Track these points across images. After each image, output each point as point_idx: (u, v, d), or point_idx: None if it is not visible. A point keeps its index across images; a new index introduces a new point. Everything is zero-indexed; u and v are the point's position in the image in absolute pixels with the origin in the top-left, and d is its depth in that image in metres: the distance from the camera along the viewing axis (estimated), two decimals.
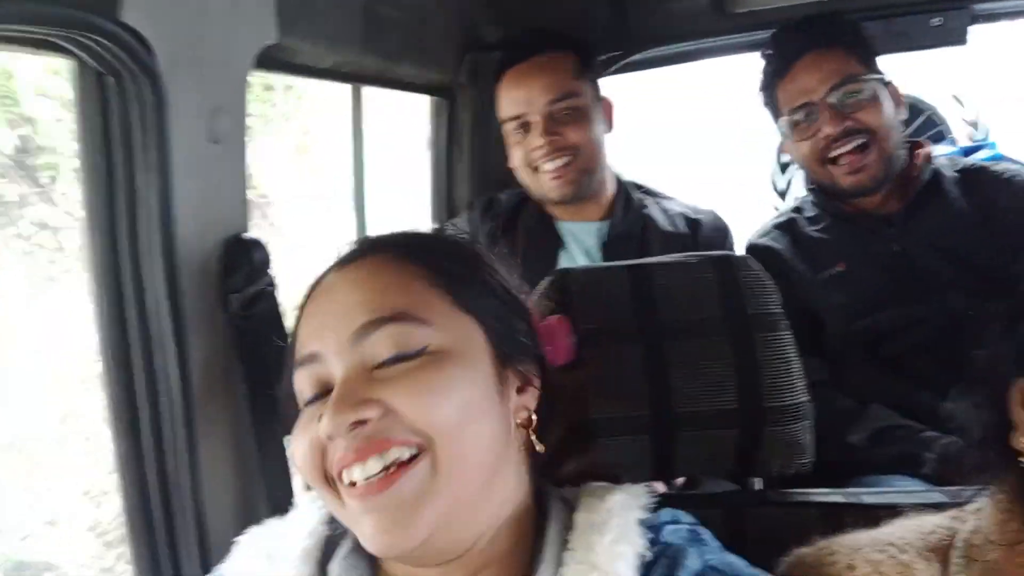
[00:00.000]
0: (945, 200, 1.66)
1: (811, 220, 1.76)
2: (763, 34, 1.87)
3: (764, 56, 1.76)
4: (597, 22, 1.95)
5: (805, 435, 1.09)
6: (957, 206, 1.64)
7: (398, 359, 0.71)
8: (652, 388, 1.09)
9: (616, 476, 0.81)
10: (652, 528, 0.74)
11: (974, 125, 2.02)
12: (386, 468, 0.69)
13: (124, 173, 0.94)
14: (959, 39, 1.83)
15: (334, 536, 0.81)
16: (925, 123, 2.06)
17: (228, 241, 1.05)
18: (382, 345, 0.72)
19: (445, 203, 2.10)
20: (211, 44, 1.04)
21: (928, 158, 1.70)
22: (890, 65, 1.71)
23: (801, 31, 1.69)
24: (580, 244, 1.84)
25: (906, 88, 1.70)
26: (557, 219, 1.86)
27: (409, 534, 0.69)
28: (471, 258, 0.82)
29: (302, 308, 0.79)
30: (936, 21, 1.84)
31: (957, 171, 1.71)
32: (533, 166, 1.78)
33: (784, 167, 2.46)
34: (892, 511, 0.88)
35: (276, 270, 1.11)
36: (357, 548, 0.77)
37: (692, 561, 0.71)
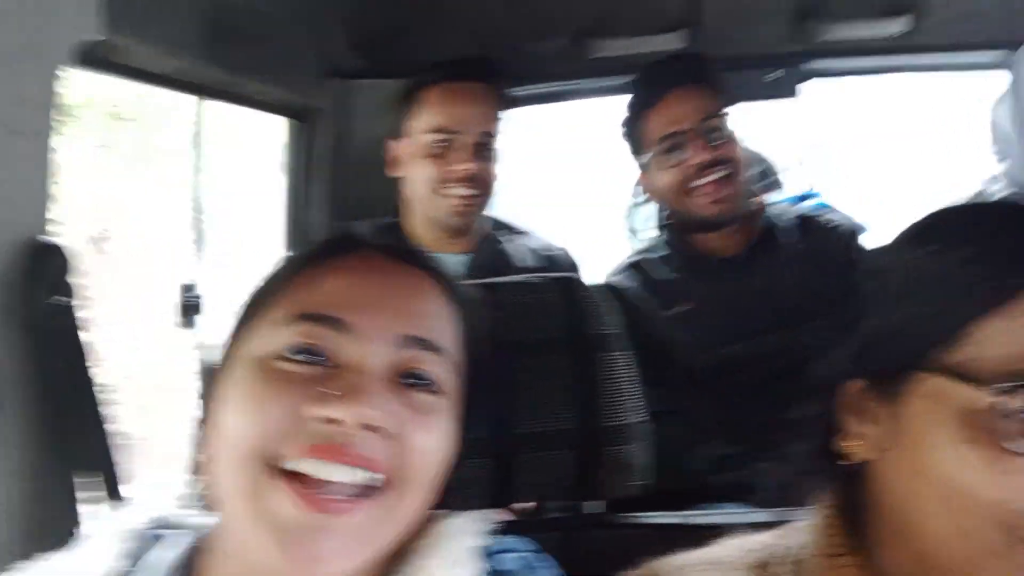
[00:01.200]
0: (779, 245, 1.78)
1: (662, 261, 1.83)
2: (622, 79, 1.94)
3: (634, 85, 1.83)
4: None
5: (642, 456, 1.10)
6: (790, 251, 1.77)
7: (421, 386, 0.69)
8: (494, 408, 1.06)
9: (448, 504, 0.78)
10: (488, 555, 0.72)
11: (802, 177, 2.18)
12: (355, 486, 0.65)
13: None
14: (790, 93, 1.96)
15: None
16: (761, 172, 2.19)
17: (24, 244, 0.95)
18: (424, 368, 0.69)
19: (301, 230, 2.03)
20: (20, 31, 0.95)
21: (764, 204, 1.83)
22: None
23: (674, 66, 1.79)
24: None
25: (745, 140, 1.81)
26: (425, 248, 1.83)
27: (335, 566, 0.64)
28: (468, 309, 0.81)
29: (315, 258, 0.74)
30: (771, 76, 1.97)
31: (789, 218, 1.84)
32: (444, 187, 1.74)
33: (637, 205, 2.54)
34: (724, 530, 0.89)
35: (83, 280, 1.00)
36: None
37: None
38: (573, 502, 1.12)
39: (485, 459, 1.06)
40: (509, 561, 0.73)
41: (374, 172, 1.97)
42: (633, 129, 1.80)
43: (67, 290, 0.97)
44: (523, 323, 1.10)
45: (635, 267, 1.84)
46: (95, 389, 1.02)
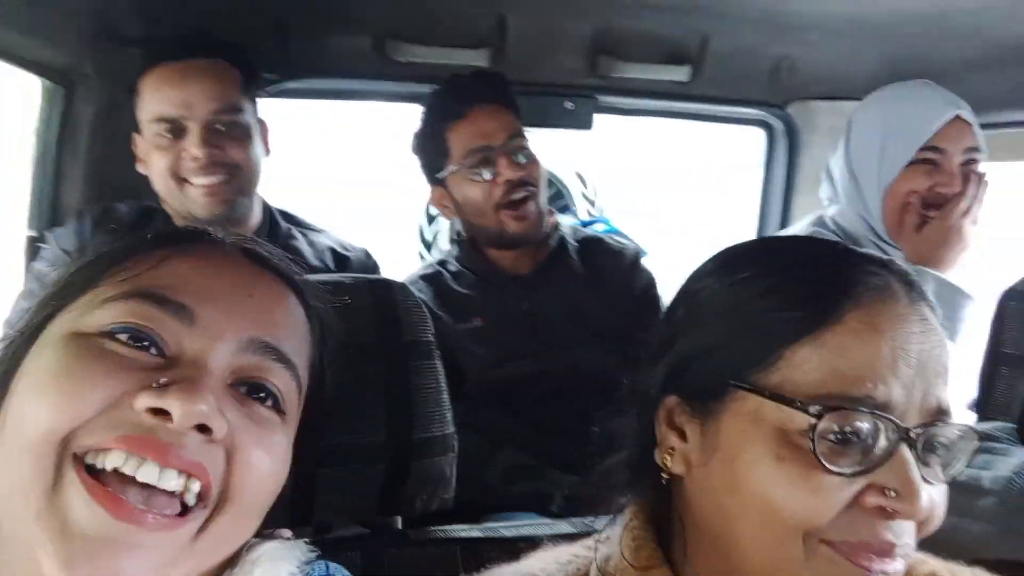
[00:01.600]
0: (568, 265, 1.84)
1: (454, 276, 1.83)
2: (422, 87, 1.92)
3: (435, 97, 1.80)
4: (257, 40, 1.82)
5: (450, 467, 1.07)
6: (578, 271, 1.84)
7: (258, 399, 0.63)
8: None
9: None
10: None
11: (592, 202, 2.31)
12: (170, 499, 0.55)
13: None
14: (585, 124, 2.07)
15: None
16: (554, 195, 2.29)
17: None
18: (269, 379, 0.63)
19: (48, 208, 1.76)
20: None
21: (556, 225, 1.88)
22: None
23: (481, 81, 1.78)
24: None
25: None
26: None
27: None
28: (326, 338, 0.74)
29: (162, 240, 0.66)
30: (569, 105, 2.06)
31: (578, 240, 1.92)
32: (181, 177, 1.57)
33: (431, 218, 2.54)
34: (530, 543, 0.88)
35: None
36: None
37: None
38: (378, 519, 1.05)
39: None
40: None
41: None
42: (433, 141, 1.78)
43: None
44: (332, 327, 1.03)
45: (428, 279, 1.83)
46: None
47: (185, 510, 0.57)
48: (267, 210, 1.76)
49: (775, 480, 0.65)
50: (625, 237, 2.01)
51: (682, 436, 0.73)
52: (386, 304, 1.06)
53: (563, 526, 1.11)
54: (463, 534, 1.08)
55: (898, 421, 0.64)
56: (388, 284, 1.08)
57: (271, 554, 0.65)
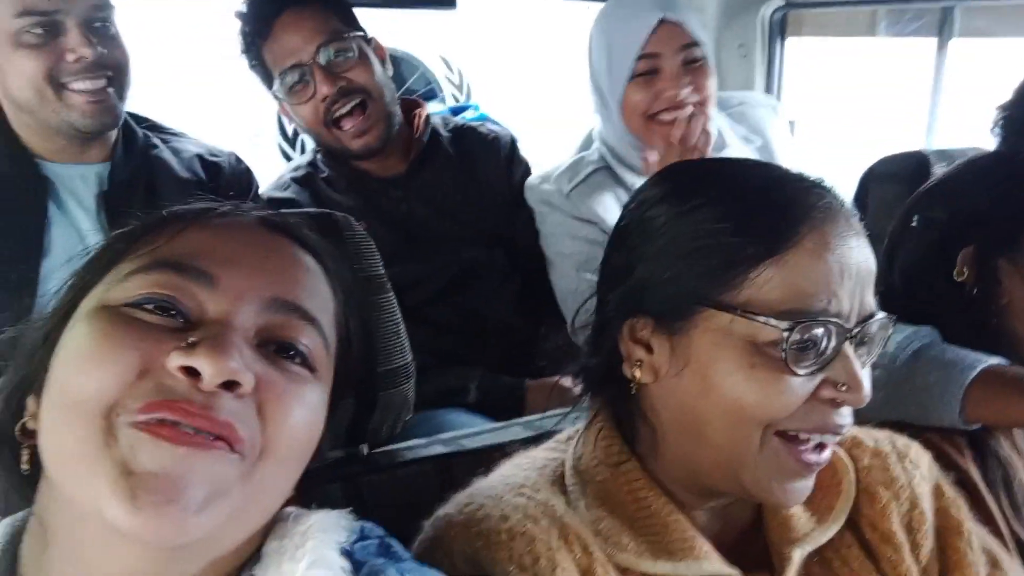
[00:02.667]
0: (442, 160, 1.81)
1: (327, 180, 1.75)
2: None
3: (239, 16, 1.67)
4: None
5: (411, 392, 1.10)
6: (453, 164, 1.81)
7: (287, 357, 0.64)
8: None
9: None
10: (346, 552, 0.68)
11: (458, 86, 2.24)
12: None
13: None
14: (450, 3, 1.98)
15: None
16: (417, 80, 2.20)
17: None
18: (296, 336, 0.64)
19: None
20: None
21: (427, 120, 1.83)
22: (377, 23, 1.76)
23: None
24: (74, 194, 1.50)
25: (396, 45, 1.78)
26: (40, 158, 1.48)
27: (188, 522, 0.56)
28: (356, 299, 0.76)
29: (180, 216, 0.67)
30: None
31: (450, 131, 1.88)
32: (59, 83, 1.40)
33: (293, 135, 2.37)
34: (493, 453, 0.95)
35: None
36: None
37: None
38: (349, 447, 1.08)
39: None
40: (366, 549, 0.71)
41: None
42: (253, 60, 1.68)
43: None
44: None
45: (301, 181, 1.74)
46: None
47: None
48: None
49: (747, 385, 0.76)
50: (496, 124, 2.00)
51: (648, 349, 0.82)
52: (335, 240, 1.03)
53: (516, 429, 1.18)
54: (427, 452, 1.13)
55: (845, 325, 0.76)
56: (332, 218, 1.05)
57: (320, 524, 0.68)
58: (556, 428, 0.97)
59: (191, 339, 0.58)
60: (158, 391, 0.57)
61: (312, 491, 0.72)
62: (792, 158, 1.83)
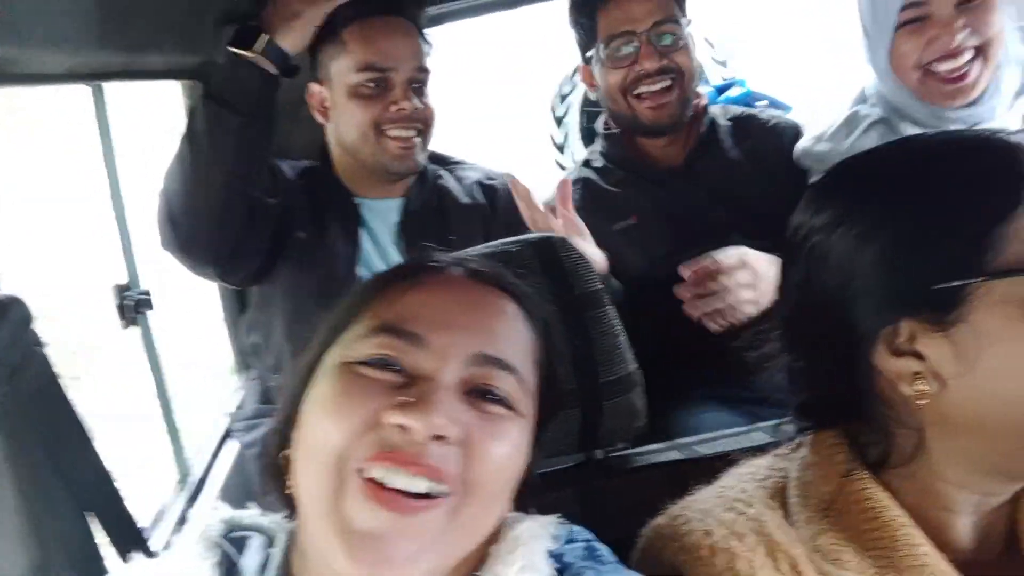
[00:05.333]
0: (721, 150, 1.77)
1: (601, 174, 1.80)
2: None
3: None
4: None
5: (639, 400, 1.13)
6: (732, 155, 1.76)
7: (489, 400, 0.73)
8: None
9: None
10: (555, 555, 0.75)
11: (723, 64, 2.18)
12: (424, 495, 0.68)
13: None
14: None
15: None
16: None
17: None
18: (495, 384, 0.73)
19: None
20: None
21: (705, 109, 1.80)
22: None
23: None
24: (383, 222, 1.76)
25: None
26: (356, 195, 1.75)
27: (404, 570, 0.67)
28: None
29: (401, 276, 0.79)
30: None
31: (729, 119, 1.82)
32: (380, 129, 1.65)
33: (559, 120, 2.51)
34: (725, 460, 0.94)
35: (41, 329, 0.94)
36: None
37: None
38: (583, 455, 1.15)
39: None
40: (573, 552, 0.76)
41: (282, 118, 1.87)
42: (582, 19, 1.75)
43: (33, 338, 0.91)
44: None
45: (577, 183, 1.81)
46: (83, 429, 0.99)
47: (434, 499, 0.68)
48: None
49: None
50: (765, 97, 1.90)
51: (917, 357, 0.74)
52: (551, 261, 1.11)
53: (756, 435, 1.15)
54: (662, 458, 1.15)
55: None
56: (550, 241, 1.13)
57: (530, 531, 0.76)
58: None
59: (404, 399, 0.68)
60: (380, 444, 0.68)
61: (545, 496, 0.81)
62: None
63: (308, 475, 0.71)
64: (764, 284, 1.36)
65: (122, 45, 1.30)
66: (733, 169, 1.74)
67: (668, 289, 1.64)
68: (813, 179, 1.62)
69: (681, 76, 1.69)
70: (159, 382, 1.56)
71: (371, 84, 1.62)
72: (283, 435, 0.77)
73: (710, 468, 0.93)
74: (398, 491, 0.67)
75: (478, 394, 0.72)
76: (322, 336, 0.79)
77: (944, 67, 1.41)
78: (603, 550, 0.78)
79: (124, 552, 1.00)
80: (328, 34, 1.62)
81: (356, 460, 0.68)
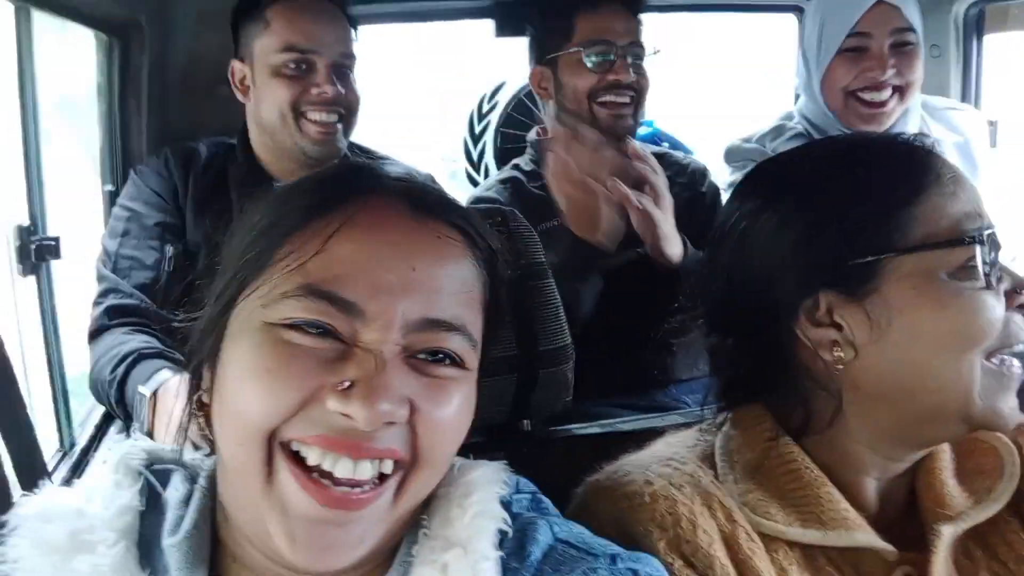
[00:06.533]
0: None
1: (529, 177, 1.87)
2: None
3: None
4: None
5: (570, 374, 1.18)
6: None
7: (436, 361, 0.66)
8: None
9: None
10: (505, 503, 0.73)
11: None
12: (373, 477, 0.62)
13: None
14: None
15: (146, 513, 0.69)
16: None
17: None
18: (443, 346, 0.66)
19: (120, 160, 1.81)
20: None
21: None
22: None
23: None
24: None
25: None
26: (275, 179, 1.70)
27: (347, 557, 0.63)
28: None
29: (326, 212, 0.66)
30: None
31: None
32: (299, 111, 1.61)
33: (476, 137, 2.58)
34: (651, 434, 0.99)
35: None
36: (198, 529, 0.67)
37: (542, 534, 0.71)
38: (512, 422, 1.17)
39: None
40: (519, 503, 0.75)
41: (199, 93, 1.82)
42: (558, 20, 1.81)
43: None
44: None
45: (505, 183, 1.87)
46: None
47: (383, 477, 0.65)
48: None
49: (961, 316, 0.77)
50: (669, 139, 2.05)
51: (835, 327, 0.81)
52: (500, 231, 1.14)
53: (674, 418, 1.21)
54: (587, 431, 1.20)
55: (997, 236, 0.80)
56: (500, 212, 1.16)
57: (484, 476, 0.73)
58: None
59: (347, 382, 0.61)
60: (319, 426, 0.61)
61: (478, 456, 0.78)
62: (990, 160, 1.74)
63: (232, 443, 0.64)
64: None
65: None
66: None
67: (586, 285, 1.74)
68: (732, 176, 1.81)
69: (639, 96, 1.80)
70: (51, 342, 1.43)
71: (293, 65, 1.59)
72: (197, 378, 0.70)
73: (634, 440, 0.97)
74: (340, 480, 0.62)
75: (426, 355, 0.66)
76: (232, 272, 0.69)
77: (868, 96, 1.63)
78: (547, 502, 0.78)
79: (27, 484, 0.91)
80: (251, 10, 1.60)
81: (288, 437, 0.62)
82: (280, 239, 0.67)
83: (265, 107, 1.63)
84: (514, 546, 0.69)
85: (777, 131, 1.79)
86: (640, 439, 0.96)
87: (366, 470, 0.62)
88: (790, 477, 0.84)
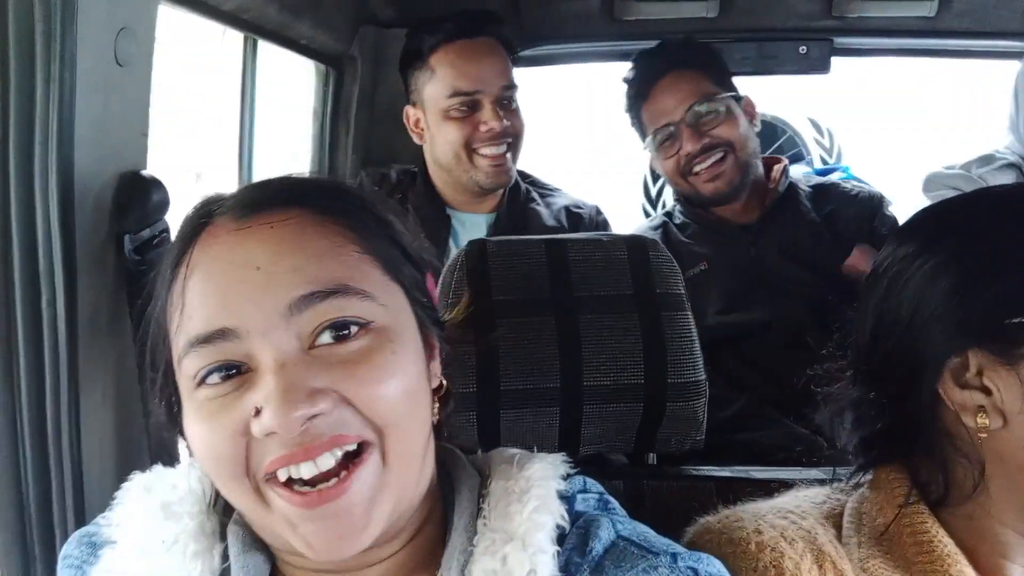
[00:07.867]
0: (798, 211, 1.82)
1: (680, 227, 1.88)
2: (649, 43, 1.96)
3: (625, 82, 1.88)
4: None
5: (701, 412, 1.14)
6: (808, 217, 1.81)
7: (341, 338, 0.65)
8: (564, 361, 1.10)
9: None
10: (565, 498, 0.73)
11: (827, 148, 2.23)
12: (338, 464, 0.64)
13: (21, 79, 0.82)
14: (822, 68, 2.01)
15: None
16: (785, 142, 2.25)
17: (125, 176, 0.95)
18: (321, 321, 0.64)
19: (326, 175, 2.02)
20: None
21: (784, 172, 1.86)
22: (755, 87, 1.87)
23: (657, 56, 1.83)
24: (471, 235, 1.81)
25: (769, 109, 1.85)
26: (449, 207, 1.84)
27: (362, 539, 0.65)
28: (384, 217, 0.74)
29: (179, 264, 0.67)
30: (802, 49, 2.01)
31: (811, 186, 1.88)
32: (471, 148, 1.73)
33: (656, 175, 2.58)
34: (783, 484, 0.93)
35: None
36: (254, 541, 0.72)
37: (604, 531, 0.71)
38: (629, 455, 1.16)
39: (555, 408, 1.10)
40: (586, 502, 0.76)
41: (399, 124, 1.98)
42: (635, 118, 1.87)
43: (164, 224, 0.98)
44: (592, 280, 1.13)
45: (656, 228, 1.89)
46: None
47: (352, 457, 0.65)
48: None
49: None
50: (863, 183, 1.93)
51: (984, 391, 0.74)
52: (639, 259, 1.14)
53: (813, 472, 1.14)
54: (716, 473, 1.15)
55: None
56: (642, 241, 1.16)
57: (543, 471, 0.74)
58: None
59: (253, 408, 0.63)
60: (267, 452, 0.63)
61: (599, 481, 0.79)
62: None
63: (222, 487, 0.68)
64: None
65: (279, 3, 1.42)
66: (808, 229, 1.79)
67: (738, 336, 1.69)
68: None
69: (731, 146, 1.77)
70: None
71: (461, 107, 1.70)
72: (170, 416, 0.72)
73: (765, 489, 0.92)
74: (313, 480, 0.64)
75: (330, 334, 0.65)
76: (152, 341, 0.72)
77: None
78: (614, 503, 0.77)
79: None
80: (416, 60, 1.73)
81: (257, 470, 0.64)
82: (163, 308, 0.70)
83: (439, 147, 1.76)
84: (576, 542, 0.70)
85: (986, 159, 1.73)
86: (771, 489, 0.92)
87: (327, 462, 0.63)
88: (920, 548, 0.77)
